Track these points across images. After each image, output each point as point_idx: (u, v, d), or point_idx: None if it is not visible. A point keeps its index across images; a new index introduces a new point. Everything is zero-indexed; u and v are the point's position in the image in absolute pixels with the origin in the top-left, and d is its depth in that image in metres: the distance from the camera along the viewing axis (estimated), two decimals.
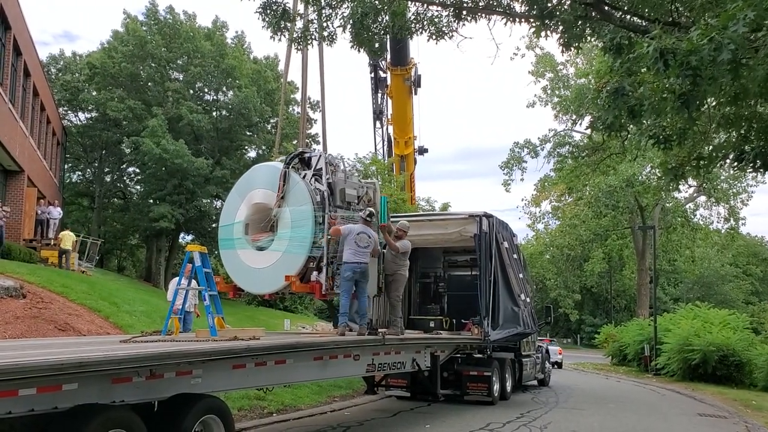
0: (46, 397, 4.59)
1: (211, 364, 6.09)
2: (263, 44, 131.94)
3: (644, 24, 8.31)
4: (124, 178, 40.31)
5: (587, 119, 29.70)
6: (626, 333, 28.86)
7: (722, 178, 36.16)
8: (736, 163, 9.33)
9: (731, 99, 8.05)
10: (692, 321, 22.62)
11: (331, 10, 9.69)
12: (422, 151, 30.51)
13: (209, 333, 7.53)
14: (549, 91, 35.97)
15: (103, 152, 37.96)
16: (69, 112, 37.36)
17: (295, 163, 9.67)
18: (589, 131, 29.62)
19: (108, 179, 39.22)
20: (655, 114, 7.55)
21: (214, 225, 32.10)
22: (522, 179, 34.44)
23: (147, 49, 33.37)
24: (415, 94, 27.41)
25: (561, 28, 8.72)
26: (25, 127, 21.83)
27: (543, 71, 35.69)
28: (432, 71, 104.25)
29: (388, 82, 28.12)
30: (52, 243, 20.91)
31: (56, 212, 23.39)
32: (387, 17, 9.69)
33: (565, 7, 8.53)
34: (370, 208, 9.48)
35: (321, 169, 9.51)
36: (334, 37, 9.94)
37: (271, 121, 35.72)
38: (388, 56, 26.44)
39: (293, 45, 10.73)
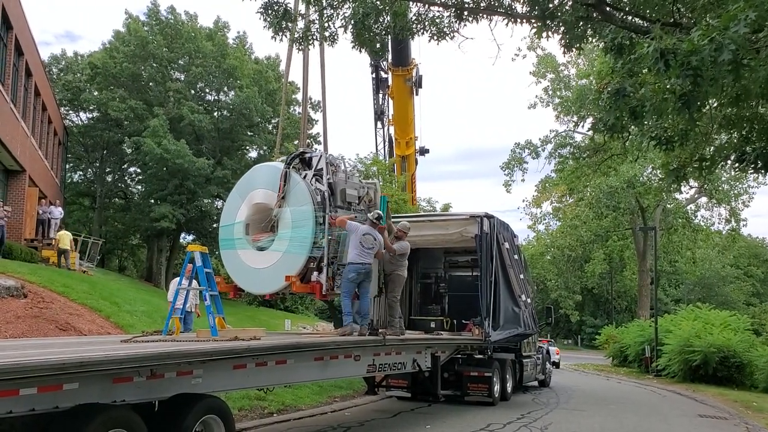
0: (47, 396, 4.60)
1: (211, 364, 6.10)
2: (264, 44, 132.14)
3: (646, 25, 8.29)
4: (126, 178, 40.38)
5: (589, 120, 29.76)
6: (627, 334, 28.80)
7: (723, 179, 36.05)
8: (737, 165, 9.32)
9: (732, 100, 8.04)
10: (693, 322, 22.61)
11: (332, 11, 9.67)
12: (423, 151, 30.43)
13: (210, 333, 7.55)
14: (550, 92, 35.97)
15: (105, 152, 38.01)
16: (70, 112, 37.41)
17: (295, 164, 9.67)
18: (590, 132, 29.60)
19: (109, 179, 39.29)
20: (656, 115, 7.52)
21: (215, 225, 32.07)
22: (523, 180, 34.37)
23: (148, 49, 33.40)
24: (417, 94, 27.36)
25: (562, 28, 8.71)
26: (26, 126, 21.85)
27: (544, 72, 35.68)
28: (433, 72, 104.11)
29: (390, 82, 28.05)
30: (53, 243, 20.94)
31: (57, 212, 23.40)
32: (388, 18, 9.67)
33: (567, 7, 8.51)
34: (379, 211, 9.49)
35: (322, 169, 9.51)
36: (336, 37, 9.93)
37: (273, 121, 35.70)
38: (390, 57, 26.36)
39: (294, 45, 10.73)
